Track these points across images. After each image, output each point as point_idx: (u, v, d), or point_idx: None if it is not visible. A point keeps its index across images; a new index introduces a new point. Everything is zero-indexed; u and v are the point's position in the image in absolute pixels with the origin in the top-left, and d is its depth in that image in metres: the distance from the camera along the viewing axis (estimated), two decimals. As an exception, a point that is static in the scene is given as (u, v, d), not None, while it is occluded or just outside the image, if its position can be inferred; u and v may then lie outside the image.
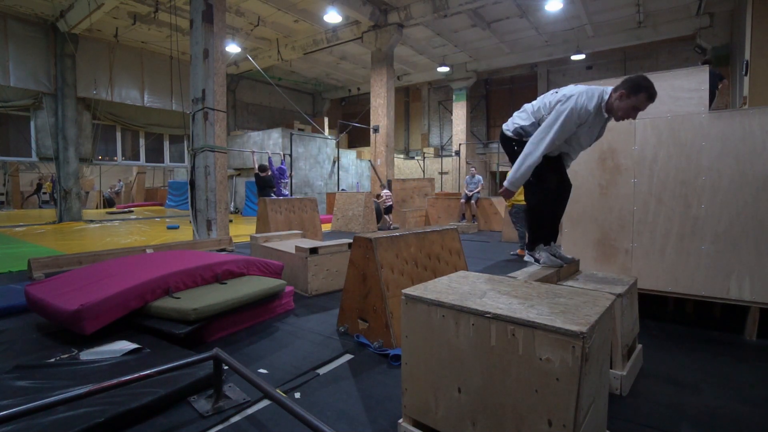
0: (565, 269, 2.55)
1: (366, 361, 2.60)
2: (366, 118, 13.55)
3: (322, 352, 2.74)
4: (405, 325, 1.73)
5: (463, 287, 1.79)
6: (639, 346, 2.53)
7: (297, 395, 2.19)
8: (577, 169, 3.71)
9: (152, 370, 1.87)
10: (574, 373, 1.26)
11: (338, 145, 14.97)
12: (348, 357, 2.68)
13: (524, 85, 18.93)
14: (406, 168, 20.41)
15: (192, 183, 7.03)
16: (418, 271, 3.04)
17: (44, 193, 20.45)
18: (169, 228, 10.27)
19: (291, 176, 12.85)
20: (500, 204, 10.57)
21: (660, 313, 3.54)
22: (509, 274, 2.47)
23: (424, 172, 19.63)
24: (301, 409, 1.60)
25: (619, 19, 12.46)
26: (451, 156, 18.59)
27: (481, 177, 10.92)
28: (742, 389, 2.26)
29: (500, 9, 11.93)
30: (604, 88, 2.38)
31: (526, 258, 2.76)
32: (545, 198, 2.58)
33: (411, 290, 1.74)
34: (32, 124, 11.95)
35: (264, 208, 7.20)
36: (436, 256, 3.27)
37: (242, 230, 9.84)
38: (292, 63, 16.30)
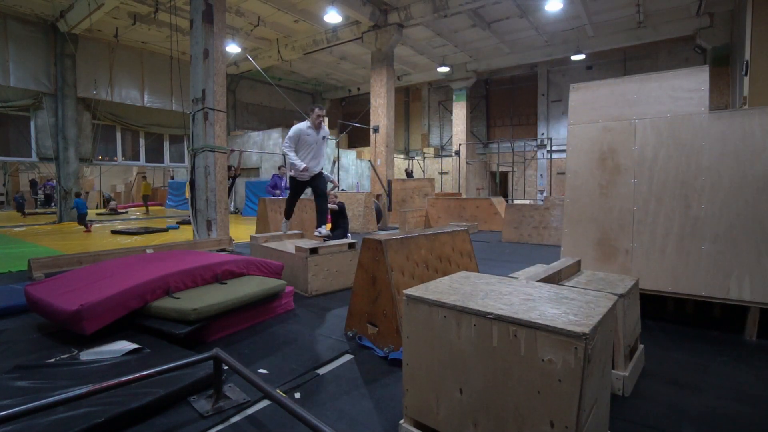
0: (567, 269, 2.54)
1: (366, 361, 2.60)
2: (366, 118, 13.55)
3: (322, 352, 2.74)
4: (407, 325, 1.72)
5: (464, 288, 1.79)
6: (641, 347, 2.52)
7: (297, 395, 2.19)
8: (577, 169, 3.72)
9: (152, 370, 1.87)
10: (576, 374, 1.26)
11: (338, 145, 14.97)
12: (348, 357, 2.68)
13: (524, 85, 18.94)
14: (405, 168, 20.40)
15: (192, 183, 7.03)
16: (429, 274, 2.98)
17: (43, 193, 20.40)
18: (169, 228, 10.26)
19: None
20: (500, 204, 10.57)
21: (660, 313, 3.54)
22: (511, 275, 2.47)
23: (424, 172, 19.63)
24: (301, 409, 1.59)
25: (619, 19, 12.47)
26: (451, 156, 18.59)
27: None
28: (742, 389, 2.26)
29: (500, 9, 11.93)
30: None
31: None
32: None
33: (412, 291, 1.74)
34: (32, 124, 11.94)
35: (264, 208, 7.20)
36: (447, 258, 3.20)
37: (242, 230, 9.84)
38: (292, 63, 16.31)
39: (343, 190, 15.33)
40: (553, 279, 2.33)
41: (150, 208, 17.36)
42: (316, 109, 4.92)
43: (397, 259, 2.79)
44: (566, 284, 2.34)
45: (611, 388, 2.07)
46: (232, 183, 8.78)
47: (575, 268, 2.70)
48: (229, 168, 8.31)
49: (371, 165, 12.82)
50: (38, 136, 11.93)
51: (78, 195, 11.21)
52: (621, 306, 2.15)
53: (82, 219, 10.07)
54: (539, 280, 2.12)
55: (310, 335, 3.07)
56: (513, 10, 12.01)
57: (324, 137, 5.11)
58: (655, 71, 3.61)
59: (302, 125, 4.91)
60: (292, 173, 5.12)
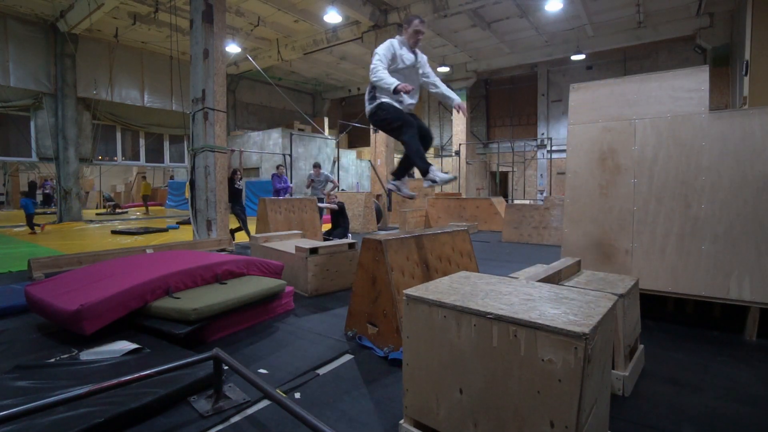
0: (567, 269, 2.54)
1: (366, 361, 2.60)
2: (366, 118, 13.54)
3: (322, 352, 2.74)
4: (407, 325, 1.72)
5: (464, 288, 1.79)
6: (641, 347, 2.52)
7: (297, 395, 2.19)
8: (577, 169, 3.72)
9: (152, 370, 1.87)
10: (576, 374, 1.26)
11: (338, 145, 14.98)
12: (348, 357, 2.68)
13: (524, 85, 18.93)
14: (405, 168, 20.39)
15: (192, 183, 7.03)
16: (429, 274, 2.98)
17: (45, 193, 20.36)
18: (168, 228, 10.26)
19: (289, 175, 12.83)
20: (500, 204, 10.57)
21: (660, 313, 3.54)
22: (511, 275, 2.47)
23: (424, 172, 19.58)
24: (301, 409, 1.59)
25: (619, 19, 12.46)
26: (451, 156, 18.58)
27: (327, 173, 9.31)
28: (742, 389, 2.26)
29: (500, 9, 11.92)
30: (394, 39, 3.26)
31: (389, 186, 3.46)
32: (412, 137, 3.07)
33: (412, 291, 1.74)
34: (32, 124, 11.94)
35: (264, 208, 7.20)
36: (447, 259, 3.20)
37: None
38: (292, 63, 16.29)
39: (343, 189, 15.33)
40: (553, 279, 2.33)
41: (150, 208, 17.37)
42: (416, 21, 3.21)
43: (397, 259, 2.79)
44: (566, 284, 2.34)
45: (611, 388, 2.07)
46: (239, 187, 8.37)
47: (575, 268, 2.70)
48: (235, 172, 7.99)
49: (371, 165, 12.82)
50: (38, 136, 11.92)
51: (25, 194, 10.86)
52: (621, 306, 2.15)
53: (28, 220, 9.50)
54: (539, 280, 2.12)
55: (310, 335, 3.07)
56: (513, 10, 12.00)
57: (419, 63, 3.37)
58: (655, 71, 3.61)
59: (395, 41, 3.24)
60: (386, 100, 3.21)
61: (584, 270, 2.84)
